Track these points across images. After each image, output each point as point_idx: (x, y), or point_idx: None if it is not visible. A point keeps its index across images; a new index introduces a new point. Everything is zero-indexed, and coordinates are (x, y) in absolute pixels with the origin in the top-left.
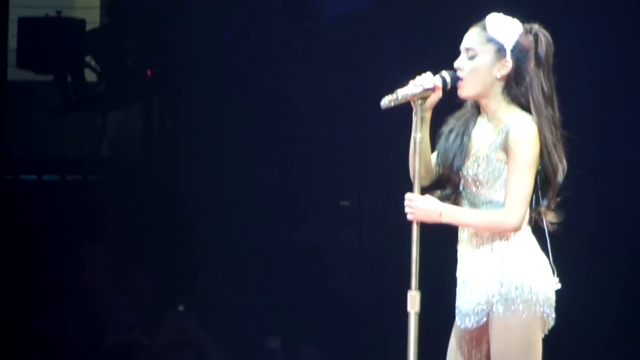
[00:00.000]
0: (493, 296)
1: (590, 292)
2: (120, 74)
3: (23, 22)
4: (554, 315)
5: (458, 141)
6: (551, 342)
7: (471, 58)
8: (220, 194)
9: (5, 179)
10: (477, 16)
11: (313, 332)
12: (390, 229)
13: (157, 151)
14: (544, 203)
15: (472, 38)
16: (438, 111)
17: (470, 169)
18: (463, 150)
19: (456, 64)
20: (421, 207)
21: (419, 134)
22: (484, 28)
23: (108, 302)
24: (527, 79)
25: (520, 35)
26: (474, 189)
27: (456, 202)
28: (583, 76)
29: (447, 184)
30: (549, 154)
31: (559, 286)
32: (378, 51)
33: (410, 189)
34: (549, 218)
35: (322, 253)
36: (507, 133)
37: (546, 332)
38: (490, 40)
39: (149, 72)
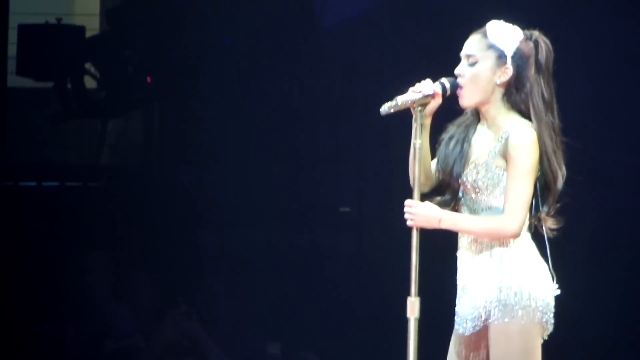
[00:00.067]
0: (492, 302)
1: (590, 298)
2: (120, 81)
3: (23, 29)
4: (552, 320)
5: (458, 148)
6: (550, 348)
7: (472, 65)
8: (221, 199)
9: (5, 185)
10: (477, 23)
11: (313, 338)
12: (390, 235)
13: (157, 158)
14: (543, 209)
15: (472, 45)
16: (438, 118)
17: (469, 176)
18: (463, 157)
19: (457, 70)
20: (421, 213)
21: (419, 141)
22: (485, 35)
23: (108, 307)
24: (528, 85)
25: (521, 42)
26: (473, 195)
27: (455, 208)
28: (582, 83)
29: (447, 191)
30: (548, 160)
31: (558, 292)
32: (378, 58)
33: (410, 195)
34: (549, 224)
35: (322, 259)
36: (506, 140)
37: (545, 338)
38: (491, 47)
39: (148, 79)
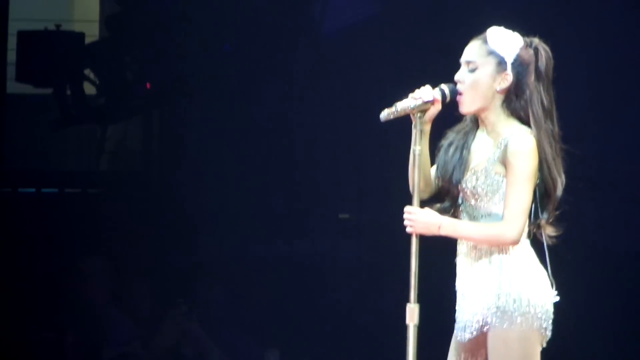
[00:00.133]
0: (491, 309)
1: (589, 305)
2: (119, 87)
3: (22, 35)
4: (551, 327)
5: (457, 154)
6: (550, 355)
7: (472, 71)
8: (220, 206)
9: (5, 191)
10: (477, 29)
11: (311, 345)
12: (389, 241)
13: (156, 164)
14: (543, 216)
15: (472, 51)
16: (438, 124)
17: (469, 182)
18: (462, 164)
19: (457, 76)
20: (420, 219)
21: (418, 147)
22: (485, 41)
23: (107, 314)
24: (527, 92)
25: (521, 49)
26: (472, 201)
27: (455, 215)
28: (581, 90)
29: (446, 197)
30: (548, 167)
31: (557, 299)
32: (377, 64)
33: (410, 202)
34: (548, 231)
35: (322, 265)
36: (505, 146)
37: (544, 345)
38: (491, 53)
39: (148, 85)
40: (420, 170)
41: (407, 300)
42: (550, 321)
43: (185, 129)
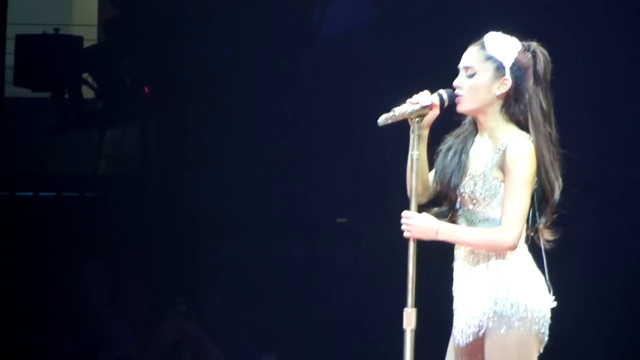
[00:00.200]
0: (488, 313)
1: (587, 310)
2: (117, 91)
3: (20, 39)
4: (548, 332)
5: (456, 159)
6: None
7: (470, 76)
8: (218, 210)
9: (2, 195)
10: (475, 34)
11: (309, 349)
12: (387, 246)
13: (154, 168)
14: (540, 221)
15: (471, 56)
16: (436, 129)
17: (467, 187)
18: (460, 168)
19: (455, 82)
20: (418, 224)
21: (416, 152)
22: (483, 46)
23: (104, 318)
24: (526, 96)
25: (519, 53)
26: (470, 206)
27: (453, 219)
28: (580, 93)
29: (444, 202)
30: (546, 172)
31: (554, 304)
32: (376, 69)
33: (408, 207)
34: (546, 236)
35: (319, 270)
36: (504, 151)
37: (541, 350)
38: (489, 58)
39: (146, 89)
40: (418, 175)
41: (405, 304)
42: (548, 326)
43: (184, 133)
